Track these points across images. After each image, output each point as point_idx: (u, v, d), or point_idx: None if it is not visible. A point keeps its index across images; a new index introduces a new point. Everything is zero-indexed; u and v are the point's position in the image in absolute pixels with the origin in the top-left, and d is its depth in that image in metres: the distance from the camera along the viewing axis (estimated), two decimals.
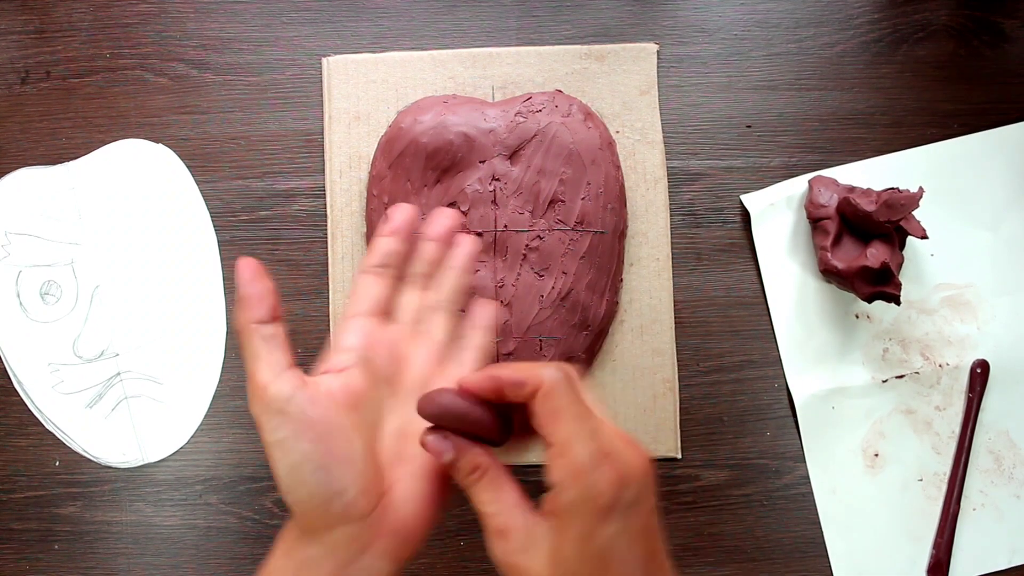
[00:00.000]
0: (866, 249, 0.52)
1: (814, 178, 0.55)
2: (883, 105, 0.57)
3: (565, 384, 0.32)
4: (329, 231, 0.55)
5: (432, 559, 0.54)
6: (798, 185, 0.56)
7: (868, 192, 0.53)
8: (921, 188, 0.51)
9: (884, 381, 0.55)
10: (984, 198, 0.56)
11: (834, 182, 0.54)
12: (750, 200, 0.56)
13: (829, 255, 0.53)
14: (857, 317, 0.55)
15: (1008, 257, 0.56)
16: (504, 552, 0.34)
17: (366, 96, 0.55)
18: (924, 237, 0.52)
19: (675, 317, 0.55)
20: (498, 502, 0.34)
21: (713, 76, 0.57)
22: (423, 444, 0.34)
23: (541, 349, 0.50)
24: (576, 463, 0.32)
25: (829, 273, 0.53)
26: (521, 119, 0.51)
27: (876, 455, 0.55)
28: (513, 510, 0.34)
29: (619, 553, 0.31)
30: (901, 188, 0.53)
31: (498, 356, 0.50)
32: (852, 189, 0.53)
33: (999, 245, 0.56)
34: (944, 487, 0.54)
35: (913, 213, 0.52)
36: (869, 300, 0.52)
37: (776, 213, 0.56)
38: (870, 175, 0.56)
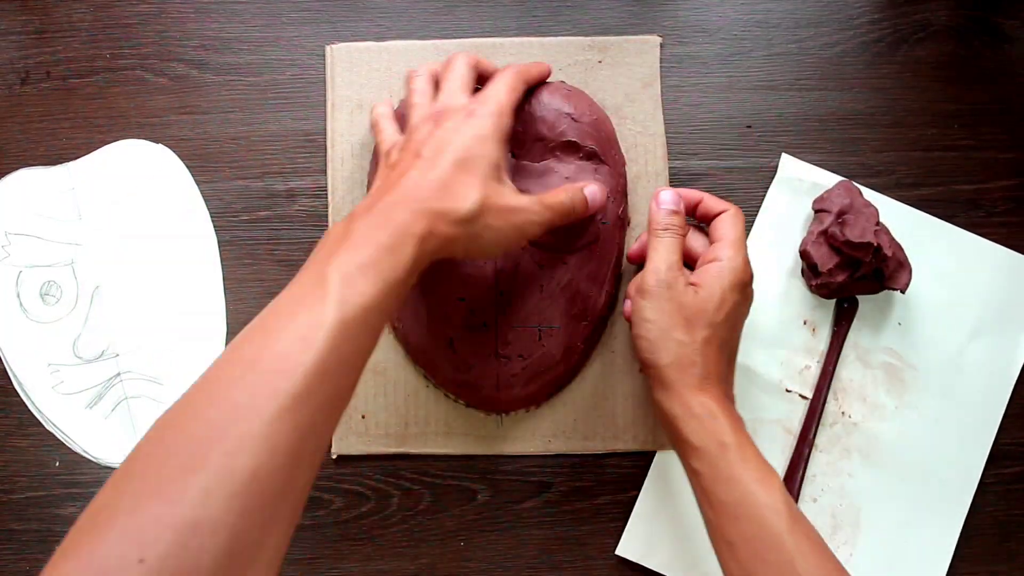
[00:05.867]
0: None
1: (843, 181, 0.55)
2: (883, 105, 0.57)
3: (741, 217, 0.49)
4: (330, 219, 0.55)
5: (432, 559, 0.54)
6: (828, 179, 0.55)
7: (867, 222, 0.51)
8: (907, 282, 0.52)
9: (788, 391, 0.55)
10: (972, 306, 0.55)
11: (856, 191, 0.54)
12: (786, 162, 0.56)
13: (811, 241, 0.53)
14: (804, 323, 0.55)
15: (960, 374, 0.55)
16: (669, 277, 0.46)
17: (369, 84, 0.56)
18: (903, 290, 0.52)
19: None
20: (677, 251, 0.47)
21: (713, 76, 0.57)
22: (658, 198, 0.48)
23: (540, 339, 0.50)
24: (739, 248, 0.47)
25: (803, 256, 0.53)
26: (524, 109, 0.51)
27: None
28: (680, 261, 0.47)
29: (736, 313, 0.46)
30: (903, 244, 0.52)
31: (496, 346, 0.50)
32: (862, 210, 0.52)
33: (962, 358, 0.55)
34: None
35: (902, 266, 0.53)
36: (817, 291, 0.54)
37: (796, 189, 0.56)
38: (901, 218, 0.55)
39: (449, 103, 0.45)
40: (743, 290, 0.47)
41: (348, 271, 0.36)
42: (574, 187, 0.48)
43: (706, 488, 0.43)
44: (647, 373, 0.47)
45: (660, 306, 0.45)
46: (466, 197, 0.41)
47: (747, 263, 0.47)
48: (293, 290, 0.38)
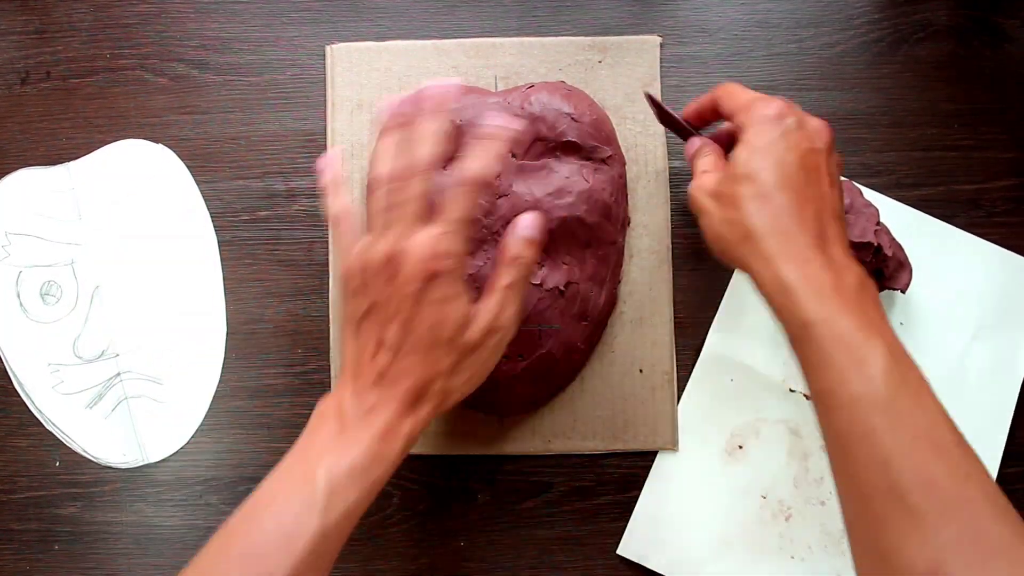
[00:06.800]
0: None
1: (843, 181, 0.54)
2: (883, 105, 0.57)
3: (737, 85, 0.46)
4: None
5: (432, 559, 0.54)
6: None
7: (867, 222, 0.51)
8: (907, 282, 0.51)
9: (791, 391, 0.54)
10: (973, 307, 0.55)
11: (856, 190, 0.54)
12: None
13: None
14: None
15: (966, 374, 0.54)
16: (695, 184, 0.45)
17: (369, 84, 0.56)
18: (903, 290, 0.52)
19: (675, 318, 0.55)
20: (708, 159, 0.46)
21: (713, 76, 0.57)
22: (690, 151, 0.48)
23: (540, 338, 0.50)
24: (744, 106, 0.44)
25: None
26: (524, 108, 0.51)
27: (740, 447, 0.54)
28: (717, 161, 0.46)
29: (778, 150, 0.41)
30: (903, 246, 0.52)
31: None
32: (863, 210, 0.52)
33: (967, 359, 0.55)
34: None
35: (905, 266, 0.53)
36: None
37: None
38: (901, 218, 0.55)
39: (403, 255, 0.39)
40: (772, 127, 0.41)
41: (337, 475, 0.38)
42: (512, 250, 0.43)
43: (804, 374, 0.38)
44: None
45: (704, 204, 0.43)
46: (438, 367, 0.40)
47: (759, 106, 0.42)
48: (283, 480, 0.39)
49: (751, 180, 0.41)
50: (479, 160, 0.40)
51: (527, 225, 0.43)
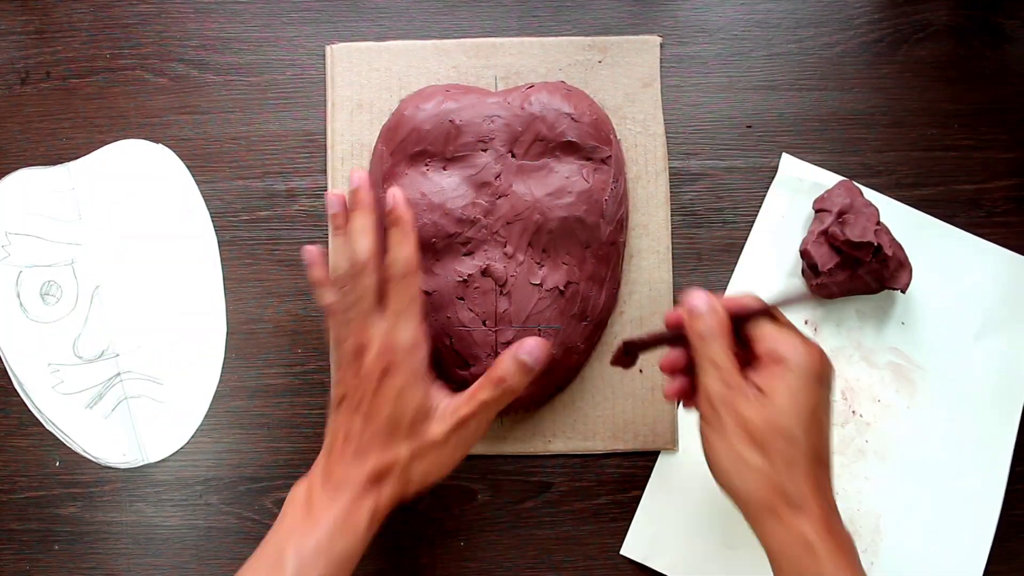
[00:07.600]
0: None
1: (843, 181, 0.55)
2: (883, 105, 0.57)
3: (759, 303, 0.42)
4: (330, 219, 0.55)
5: (432, 559, 0.54)
6: (828, 179, 0.55)
7: (867, 221, 0.52)
8: (908, 282, 0.51)
9: None
10: (974, 307, 0.55)
11: (856, 190, 0.54)
12: (787, 162, 0.56)
13: (811, 240, 0.53)
14: (805, 323, 0.55)
15: (971, 375, 0.54)
16: (722, 393, 0.40)
17: (369, 84, 0.56)
18: (903, 290, 0.52)
19: None
20: (727, 359, 0.41)
21: (713, 76, 0.57)
22: (690, 304, 0.42)
23: None
24: (800, 340, 0.41)
25: (804, 256, 0.54)
26: (523, 108, 0.51)
27: None
28: (735, 369, 0.41)
29: (820, 414, 0.40)
30: (903, 246, 0.52)
31: (496, 345, 0.50)
32: (863, 210, 0.53)
33: (971, 359, 0.55)
34: None
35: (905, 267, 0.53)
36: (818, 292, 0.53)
37: (796, 189, 0.56)
38: (901, 218, 0.55)
39: (365, 349, 0.44)
40: (823, 384, 0.40)
41: (304, 552, 0.41)
42: (501, 369, 0.44)
43: None
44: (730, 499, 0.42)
45: (724, 430, 0.40)
46: (396, 454, 0.43)
47: (818, 351, 0.40)
48: (258, 561, 0.42)
49: (792, 441, 0.39)
50: (403, 250, 0.44)
51: (529, 351, 0.44)
